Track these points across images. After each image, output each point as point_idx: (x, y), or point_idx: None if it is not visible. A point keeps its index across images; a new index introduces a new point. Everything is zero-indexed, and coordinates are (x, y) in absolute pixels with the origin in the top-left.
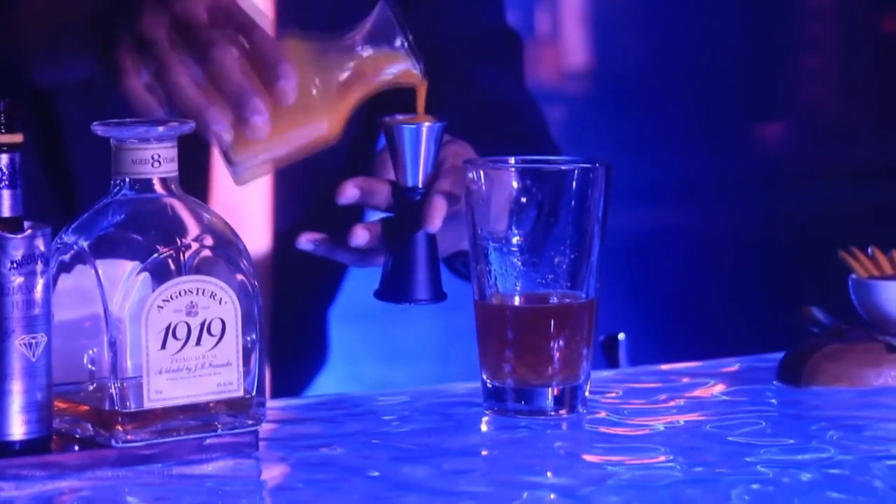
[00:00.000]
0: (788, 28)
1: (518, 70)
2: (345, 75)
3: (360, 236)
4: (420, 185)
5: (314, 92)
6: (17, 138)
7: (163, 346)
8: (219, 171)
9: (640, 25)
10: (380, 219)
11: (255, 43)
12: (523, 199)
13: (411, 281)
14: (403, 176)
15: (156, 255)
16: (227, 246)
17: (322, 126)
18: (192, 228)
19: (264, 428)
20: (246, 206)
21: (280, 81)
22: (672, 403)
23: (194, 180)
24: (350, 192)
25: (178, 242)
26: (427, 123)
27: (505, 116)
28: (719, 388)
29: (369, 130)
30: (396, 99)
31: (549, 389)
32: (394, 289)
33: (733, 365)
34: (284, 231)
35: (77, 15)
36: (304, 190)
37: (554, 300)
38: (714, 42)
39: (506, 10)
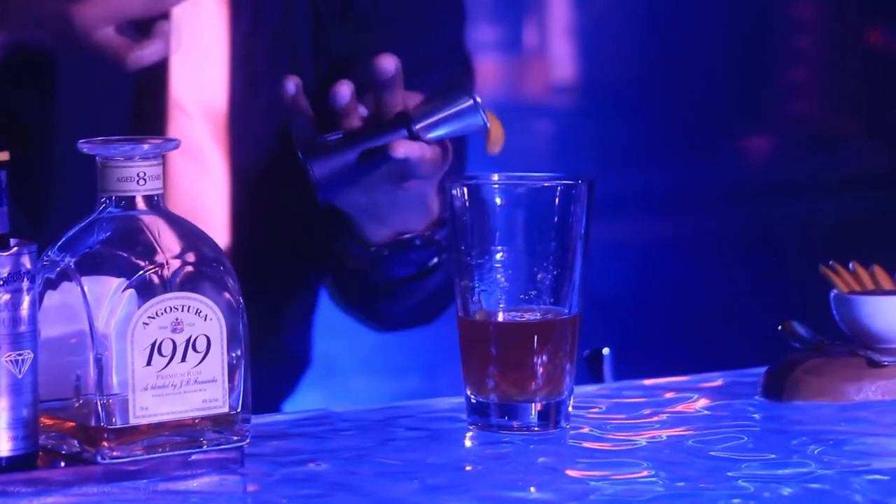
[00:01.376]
0: (774, 41)
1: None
2: None
3: (344, 93)
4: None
5: None
6: (3, 156)
7: (148, 363)
8: (176, 175)
9: (627, 39)
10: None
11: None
12: (506, 216)
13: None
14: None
15: (141, 272)
16: (211, 263)
17: None
18: (177, 245)
19: (249, 443)
20: (204, 211)
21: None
22: (655, 418)
23: None
24: (343, 90)
25: (164, 259)
26: None
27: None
28: (702, 402)
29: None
30: None
31: (533, 405)
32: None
33: (716, 380)
34: (244, 237)
35: None
36: (261, 196)
37: (537, 316)
38: (700, 55)
39: (465, 33)
